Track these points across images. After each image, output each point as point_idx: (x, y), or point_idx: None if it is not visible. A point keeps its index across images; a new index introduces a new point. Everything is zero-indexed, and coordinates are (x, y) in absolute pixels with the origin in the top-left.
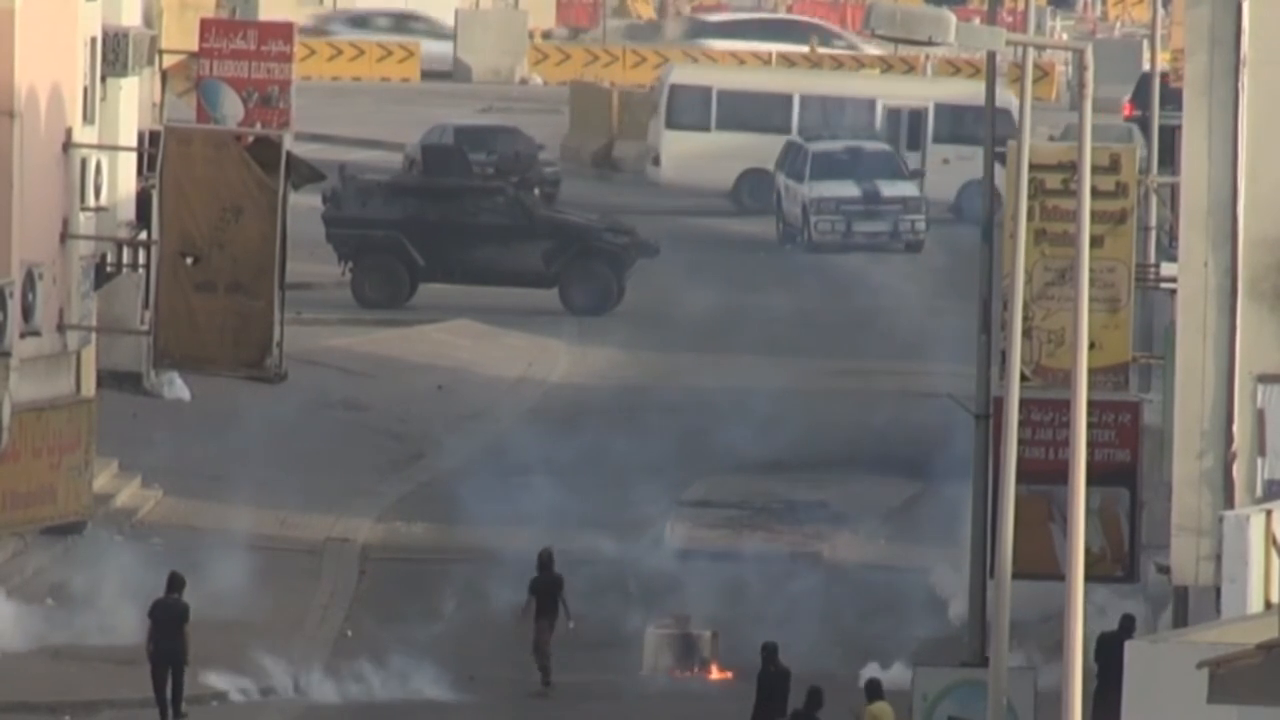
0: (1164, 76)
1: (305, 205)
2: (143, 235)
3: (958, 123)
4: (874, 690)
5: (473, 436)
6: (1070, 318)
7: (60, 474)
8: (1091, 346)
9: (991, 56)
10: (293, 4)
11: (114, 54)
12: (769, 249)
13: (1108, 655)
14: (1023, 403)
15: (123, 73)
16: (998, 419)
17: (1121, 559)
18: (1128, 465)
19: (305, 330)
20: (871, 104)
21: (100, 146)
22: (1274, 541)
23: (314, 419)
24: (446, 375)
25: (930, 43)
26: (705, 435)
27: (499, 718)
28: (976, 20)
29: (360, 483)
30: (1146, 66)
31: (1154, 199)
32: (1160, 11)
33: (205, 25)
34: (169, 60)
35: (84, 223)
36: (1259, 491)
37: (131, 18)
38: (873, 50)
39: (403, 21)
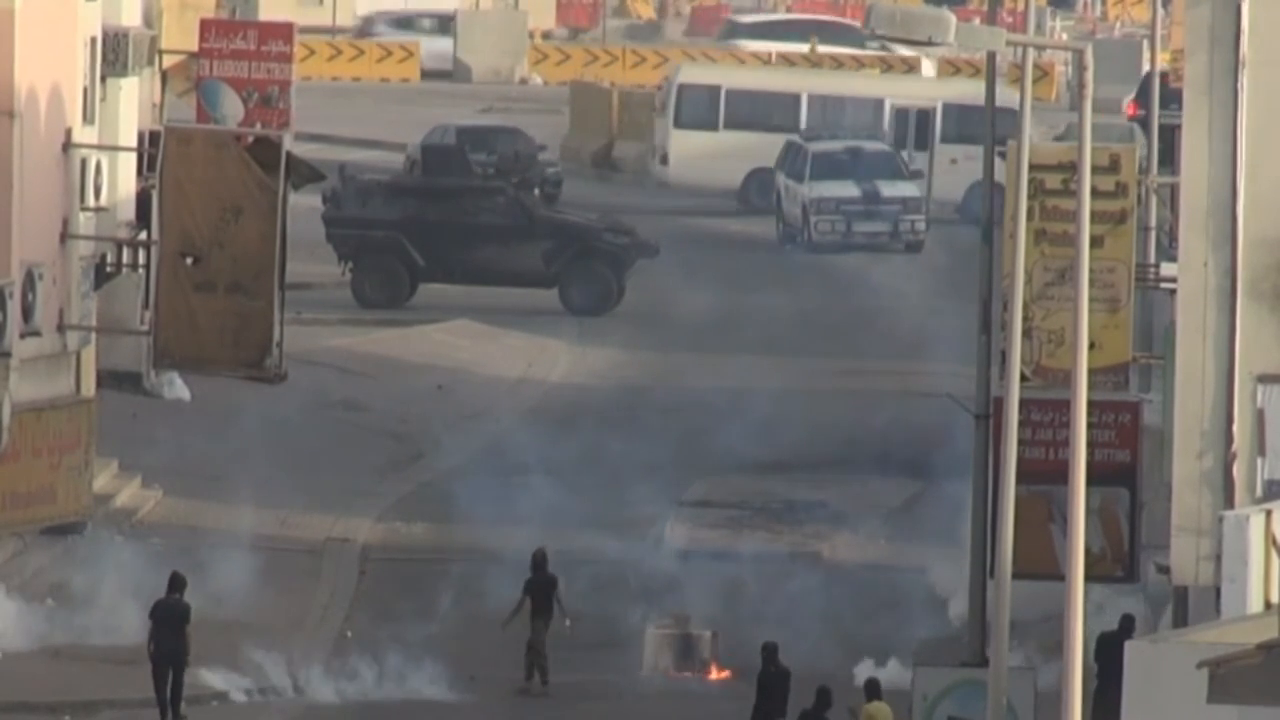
0: (1165, 76)
1: (305, 205)
2: (143, 235)
3: (965, 123)
4: (872, 690)
5: (472, 436)
6: (1070, 318)
7: (60, 474)
8: (1091, 346)
9: (991, 56)
10: (293, 4)
11: (114, 54)
12: (769, 249)
13: (1108, 655)
14: (1023, 403)
15: (123, 73)
16: (998, 419)
17: (1121, 559)
18: (1128, 465)
19: (305, 330)
20: (879, 104)
21: (100, 146)
22: (1274, 541)
23: (314, 419)
24: (446, 375)
25: (930, 43)
26: (705, 435)
27: (499, 717)
28: (976, 20)
29: (360, 483)
30: (1147, 66)
31: (1154, 199)
32: (1160, 11)
33: (205, 25)
34: (169, 60)
35: (84, 223)
36: (1259, 491)
37: (131, 18)
38: (905, 52)
39: (446, 23)
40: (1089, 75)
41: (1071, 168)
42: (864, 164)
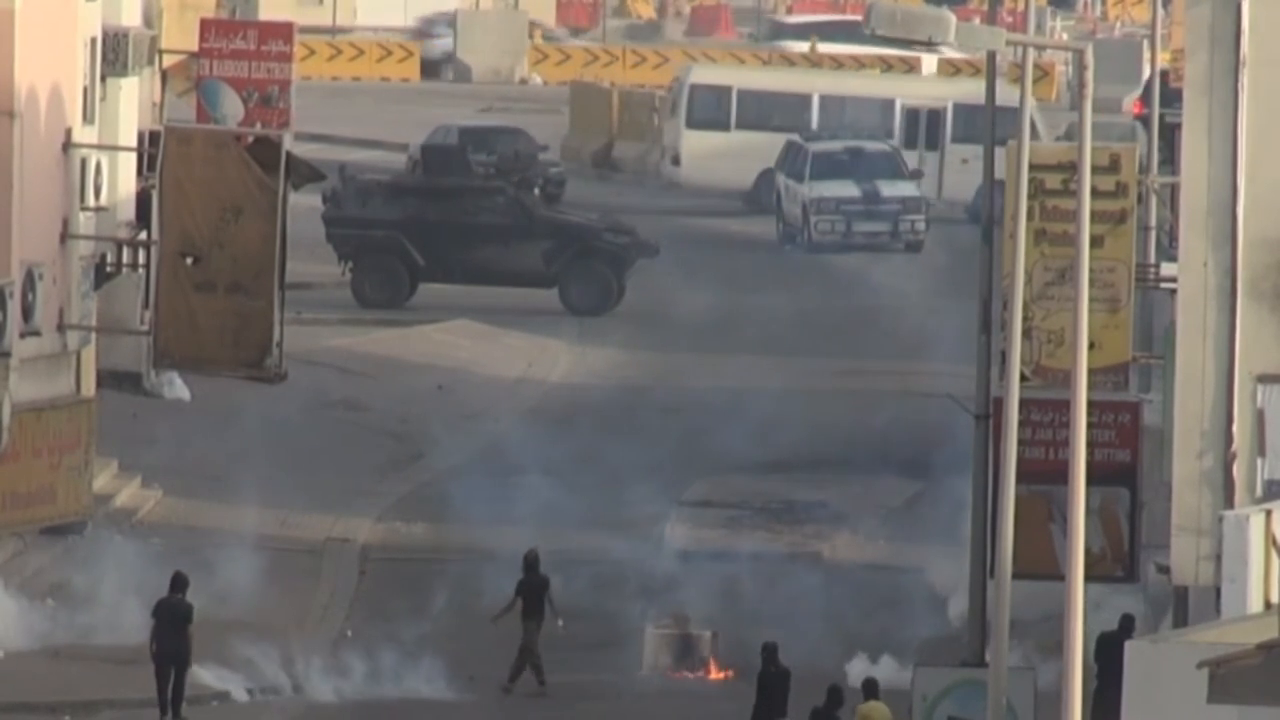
0: (1166, 76)
1: (305, 205)
2: (143, 235)
3: (976, 123)
4: (870, 689)
5: (472, 436)
6: (1070, 318)
7: (60, 474)
8: (1091, 346)
9: (991, 56)
10: (293, 4)
11: (114, 54)
12: (769, 249)
13: (1108, 655)
14: (1023, 403)
15: (123, 73)
16: (998, 419)
17: (1121, 559)
18: (1128, 465)
19: (305, 330)
20: (890, 104)
21: (100, 146)
22: (1274, 541)
23: (314, 419)
24: (446, 375)
25: (930, 43)
26: (705, 435)
27: (498, 717)
28: (976, 20)
29: (360, 483)
30: (1147, 66)
31: (1154, 199)
32: (1160, 11)
33: (205, 25)
34: (169, 60)
35: (84, 223)
36: (1259, 491)
37: (131, 18)
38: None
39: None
40: (1089, 75)
41: (1071, 168)
42: (864, 164)
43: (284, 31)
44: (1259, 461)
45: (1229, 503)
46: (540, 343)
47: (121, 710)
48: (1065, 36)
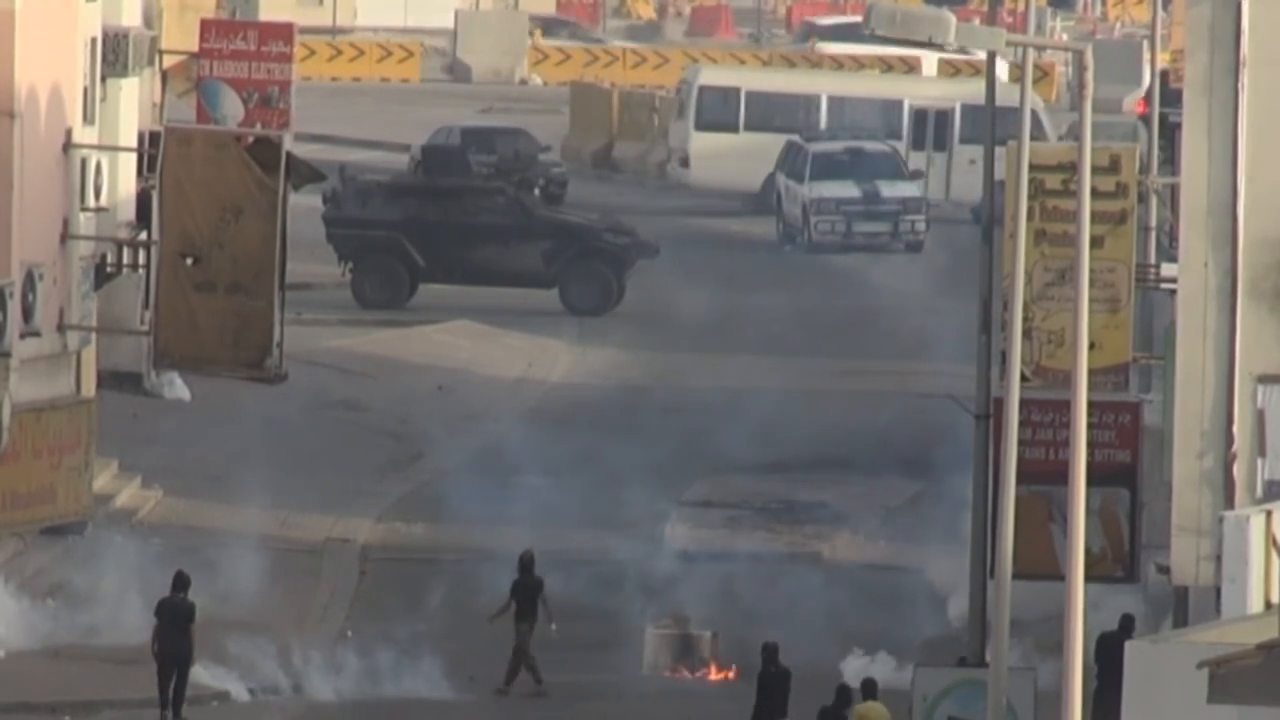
0: (1169, 76)
1: (305, 205)
2: (143, 235)
3: (983, 123)
4: (868, 689)
5: (472, 437)
6: (1070, 318)
7: (60, 474)
8: (1091, 347)
9: (991, 56)
10: (293, 4)
11: (114, 54)
12: (769, 249)
13: (1108, 655)
14: (1023, 403)
15: (123, 73)
16: (998, 419)
17: (1121, 559)
18: (1128, 465)
19: (305, 330)
20: (898, 105)
21: (100, 147)
22: (1274, 541)
23: (314, 419)
24: (446, 375)
25: (930, 43)
26: (705, 435)
27: (498, 717)
28: (976, 20)
29: (360, 483)
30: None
31: (1154, 198)
32: (1160, 11)
33: (205, 26)
34: (169, 60)
35: (84, 223)
36: (1259, 491)
37: (131, 18)
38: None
39: (576, 29)
40: (1089, 75)
41: (1071, 168)
42: (864, 164)
43: (284, 32)
44: (1259, 461)
45: (1229, 503)
46: (540, 343)
47: (121, 710)
48: (1065, 37)
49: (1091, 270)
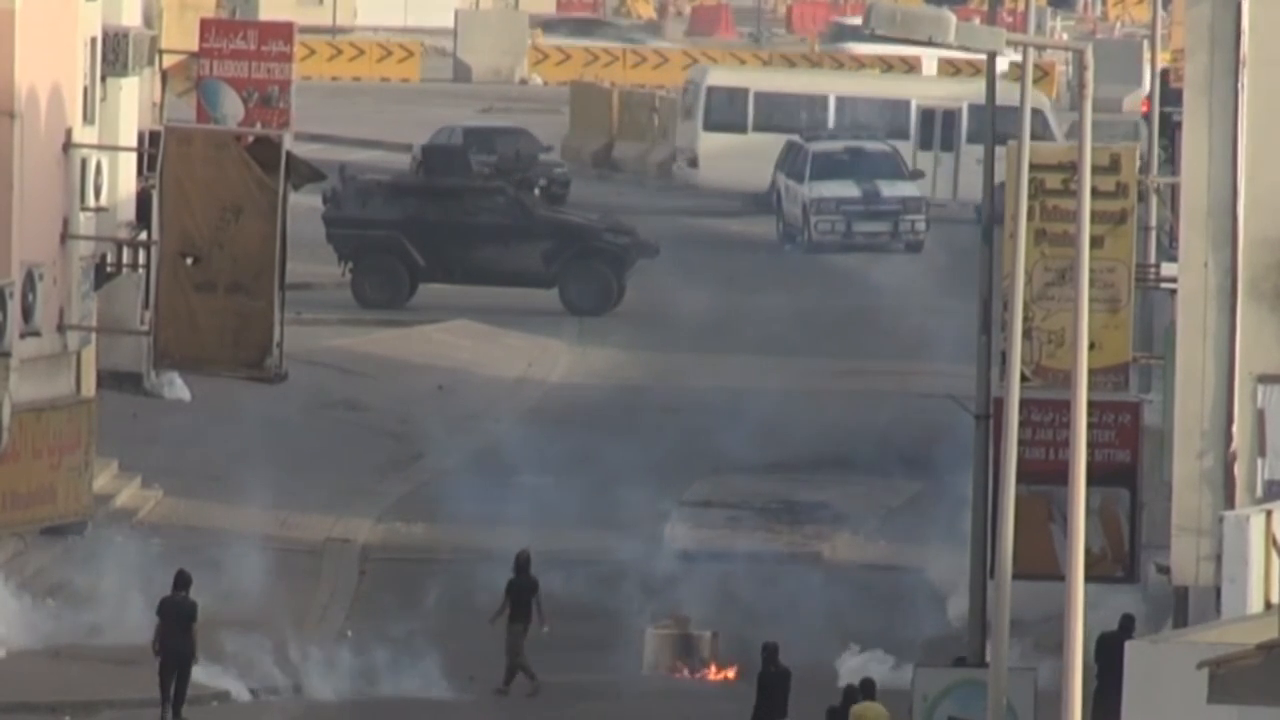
0: (1169, 76)
1: (305, 205)
2: (143, 235)
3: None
4: (866, 690)
5: (472, 436)
6: (1070, 318)
7: (60, 474)
8: (1091, 347)
9: (992, 56)
10: (293, 4)
11: (114, 54)
12: (769, 249)
13: (1108, 655)
14: (1023, 403)
15: (123, 73)
16: (998, 419)
17: (1121, 559)
18: (1128, 465)
19: (305, 330)
20: (905, 105)
21: (100, 146)
22: (1274, 541)
23: (314, 419)
24: (446, 375)
25: (930, 43)
26: (705, 435)
27: (498, 717)
28: (976, 20)
29: (360, 483)
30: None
31: (1154, 197)
32: (1160, 11)
33: (205, 25)
34: (169, 60)
35: (84, 223)
36: (1259, 491)
37: (131, 18)
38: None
39: (586, 26)
40: (1089, 75)
41: (1071, 168)
42: (864, 164)
43: (284, 32)
44: (1259, 461)
45: (1229, 503)
46: (540, 343)
47: (121, 710)
48: (1065, 36)
49: (1091, 270)
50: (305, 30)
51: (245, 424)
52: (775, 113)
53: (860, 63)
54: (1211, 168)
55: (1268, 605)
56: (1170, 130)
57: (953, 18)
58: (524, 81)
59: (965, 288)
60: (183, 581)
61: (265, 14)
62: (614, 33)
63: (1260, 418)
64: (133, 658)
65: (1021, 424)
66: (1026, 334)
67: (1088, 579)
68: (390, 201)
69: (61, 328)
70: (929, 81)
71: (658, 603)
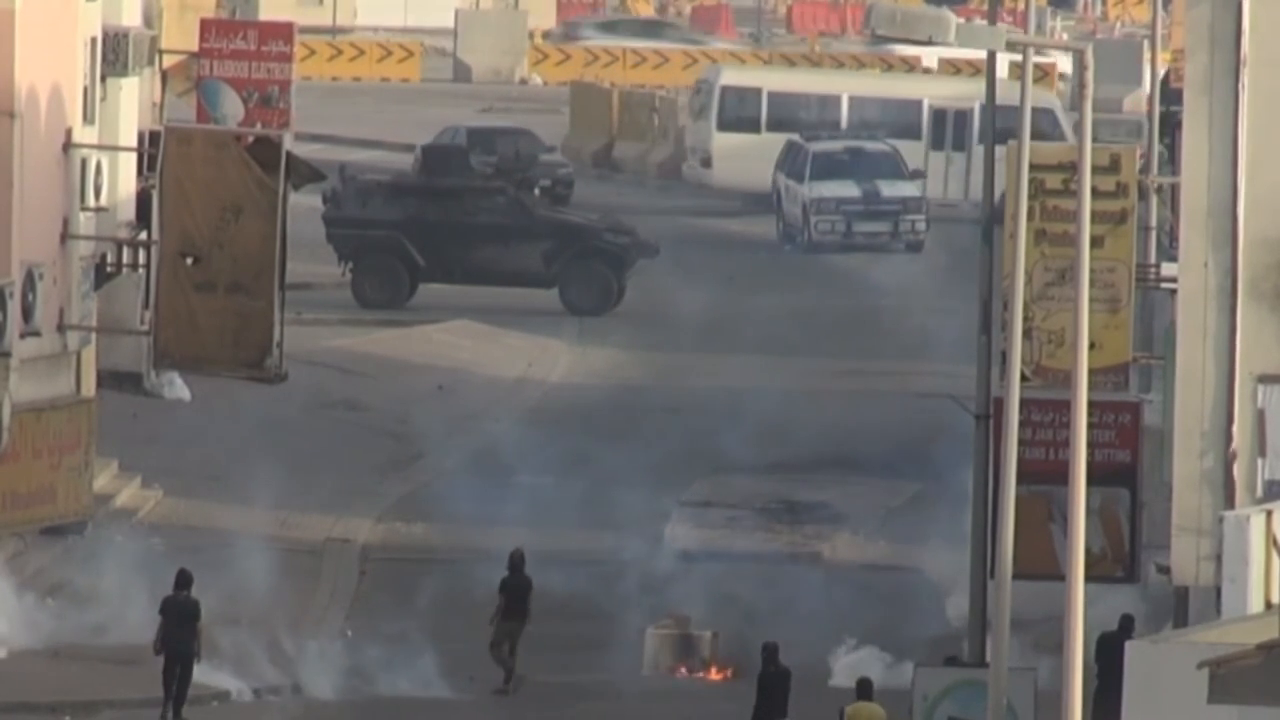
0: (1169, 76)
1: (305, 205)
2: (143, 235)
3: (1002, 123)
4: (864, 690)
5: (472, 437)
6: (1070, 318)
7: (60, 474)
8: (1091, 347)
9: (992, 56)
10: (293, 4)
11: (114, 54)
12: (769, 249)
13: (1108, 655)
14: (1023, 403)
15: (123, 73)
16: (998, 419)
17: (1121, 559)
18: (1128, 465)
19: (305, 330)
20: (918, 104)
21: (100, 146)
22: (1274, 541)
23: (314, 419)
24: (446, 375)
25: (930, 43)
26: (706, 435)
27: (497, 716)
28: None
29: (360, 483)
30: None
31: (1154, 197)
32: (1160, 11)
33: (205, 25)
34: (169, 60)
35: (84, 223)
36: (1259, 491)
37: (131, 18)
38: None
39: (652, 27)
40: (1089, 75)
41: (1071, 167)
42: (864, 164)
43: (284, 32)
44: (1259, 461)
45: (1229, 503)
46: (540, 343)
47: (121, 710)
48: (1065, 36)
49: (1091, 270)
50: (305, 30)
51: (245, 424)
52: (789, 113)
53: (861, 62)
54: (1211, 168)
55: (1268, 605)
56: (1171, 130)
57: (953, 18)
58: (524, 81)
59: (965, 288)
60: (184, 580)
61: (265, 14)
62: (676, 35)
63: (1260, 418)
64: (133, 657)
65: (1021, 424)
66: (1027, 334)
67: (1088, 579)
68: (390, 201)
69: (61, 328)
70: (941, 81)
71: (658, 603)
